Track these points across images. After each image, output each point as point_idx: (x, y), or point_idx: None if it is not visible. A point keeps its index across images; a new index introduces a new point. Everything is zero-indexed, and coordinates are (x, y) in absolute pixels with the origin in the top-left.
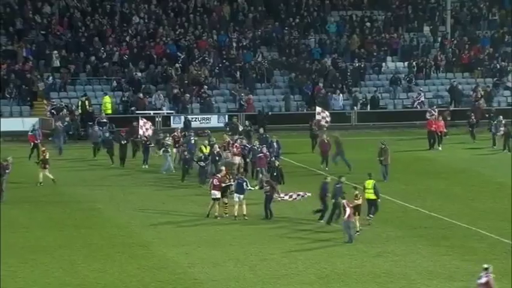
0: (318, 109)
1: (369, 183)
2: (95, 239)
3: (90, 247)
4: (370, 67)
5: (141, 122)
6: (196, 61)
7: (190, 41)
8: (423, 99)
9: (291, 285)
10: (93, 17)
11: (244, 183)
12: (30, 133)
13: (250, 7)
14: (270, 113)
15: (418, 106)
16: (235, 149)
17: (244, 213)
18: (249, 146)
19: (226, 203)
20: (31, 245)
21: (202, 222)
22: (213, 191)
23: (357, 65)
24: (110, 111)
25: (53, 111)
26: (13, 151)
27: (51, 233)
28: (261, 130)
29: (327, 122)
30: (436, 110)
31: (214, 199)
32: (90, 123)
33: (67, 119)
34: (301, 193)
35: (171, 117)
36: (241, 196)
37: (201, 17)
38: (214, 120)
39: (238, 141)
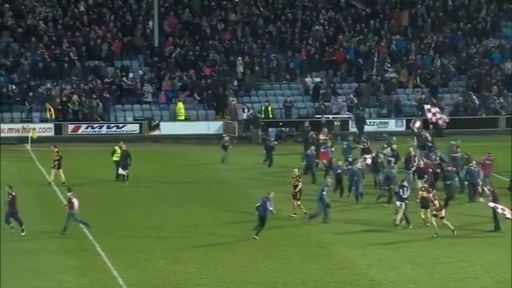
0: None
1: None
2: (275, 239)
3: (271, 247)
4: None
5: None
6: (375, 66)
7: (371, 46)
8: None
9: None
10: (275, 24)
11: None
12: (322, 149)
13: (429, 13)
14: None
15: None
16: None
17: (397, 221)
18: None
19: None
20: (215, 244)
21: (378, 225)
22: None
23: None
24: (182, 117)
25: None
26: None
27: (233, 232)
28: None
29: None
30: None
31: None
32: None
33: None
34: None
35: (349, 122)
36: (402, 203)
37: (380, 23)
38: (392, 125)
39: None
